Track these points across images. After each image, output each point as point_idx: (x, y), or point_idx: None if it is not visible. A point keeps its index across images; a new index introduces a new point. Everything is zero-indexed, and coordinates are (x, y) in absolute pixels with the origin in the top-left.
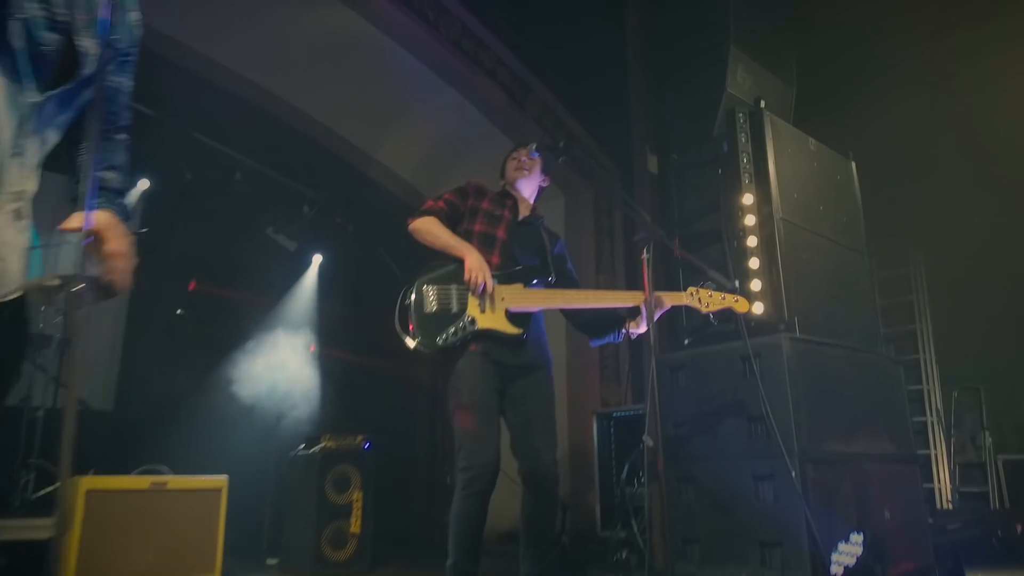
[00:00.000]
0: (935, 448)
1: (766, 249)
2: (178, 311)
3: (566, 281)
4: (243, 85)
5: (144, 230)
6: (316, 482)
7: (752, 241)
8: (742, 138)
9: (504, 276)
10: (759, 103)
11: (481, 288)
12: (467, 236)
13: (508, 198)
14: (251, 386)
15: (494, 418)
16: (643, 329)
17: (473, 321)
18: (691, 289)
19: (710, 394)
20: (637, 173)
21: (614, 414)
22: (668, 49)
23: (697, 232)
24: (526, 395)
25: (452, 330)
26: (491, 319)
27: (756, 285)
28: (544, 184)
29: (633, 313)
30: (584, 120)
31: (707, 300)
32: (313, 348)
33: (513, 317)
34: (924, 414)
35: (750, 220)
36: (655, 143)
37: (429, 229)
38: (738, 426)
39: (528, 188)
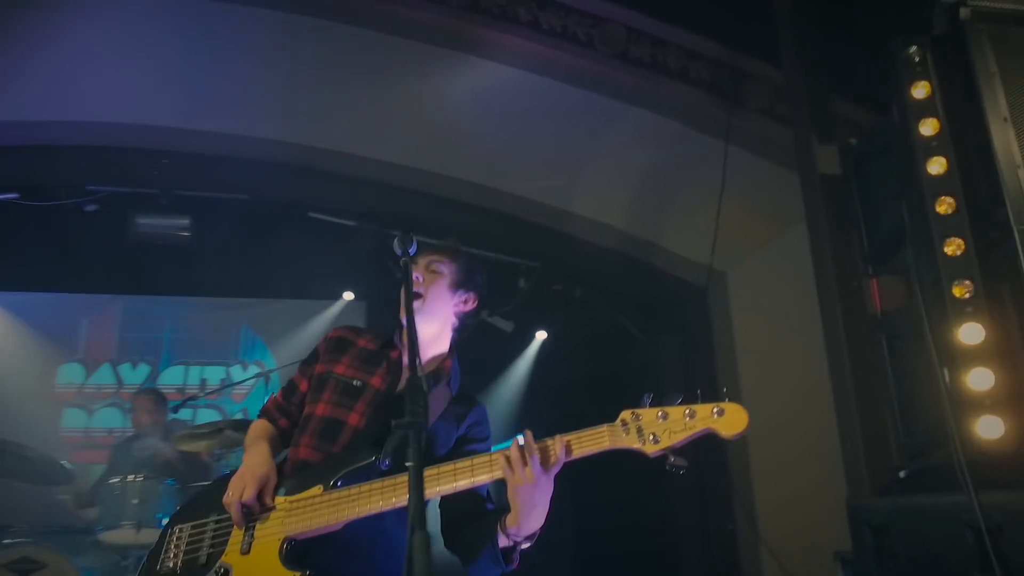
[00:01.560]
0: None
1: (995, 300)
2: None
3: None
4: (417, 175)
5: None
6: None
7: (962, 288)
8: (918, 91)
9: (297, 477)
10: (959, 4)
11: (240, 514)
12: (304, 424)
13: (391, 348)
14: None
15: None
16: (527, 531)
17: (227, 573)
18: (626, 414)
19: None
20: (802, 177)
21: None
22: None
23: (898, 268)
24: None
25: None
26: (255, 563)
27: (980, 379)
28: (465, 307)
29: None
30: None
31: (658, 428)
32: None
33: (294, 555)
34: None
35: (954, 246)
36: (824, 124)
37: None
38: None
39: (427, 324)
